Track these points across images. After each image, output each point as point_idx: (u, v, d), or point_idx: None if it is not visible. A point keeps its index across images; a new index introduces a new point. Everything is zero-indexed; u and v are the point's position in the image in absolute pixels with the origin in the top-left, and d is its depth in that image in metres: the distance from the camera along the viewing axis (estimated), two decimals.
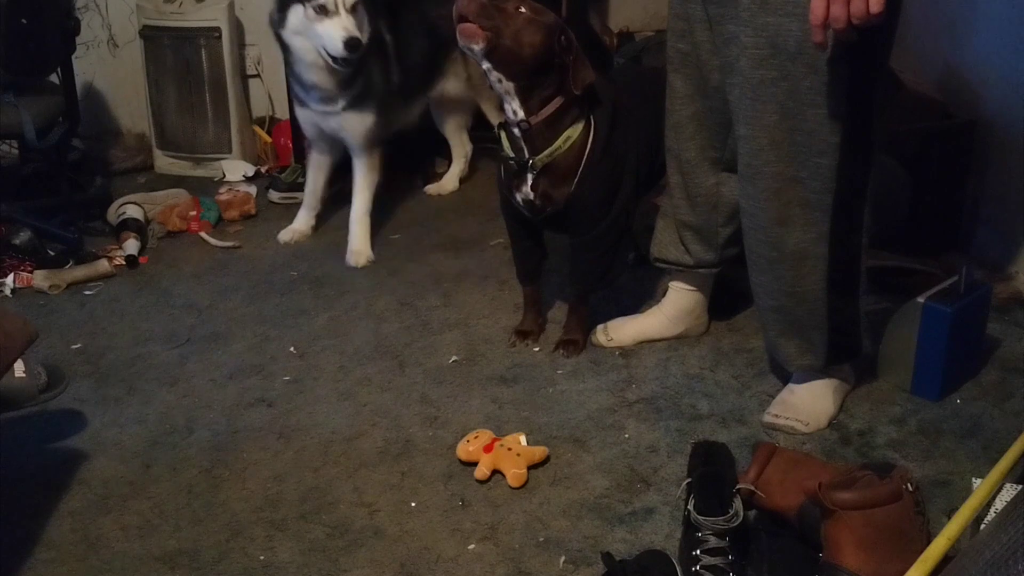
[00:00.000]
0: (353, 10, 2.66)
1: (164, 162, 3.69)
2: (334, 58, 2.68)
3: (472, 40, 2.07)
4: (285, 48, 2.79)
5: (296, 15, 2.69)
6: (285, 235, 3.07)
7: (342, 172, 3.06)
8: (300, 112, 2.95)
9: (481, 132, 3.41)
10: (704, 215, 2.24)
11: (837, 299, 1.98)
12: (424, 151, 3.57)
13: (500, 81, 2.14)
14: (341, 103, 2.82)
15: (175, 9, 3.50)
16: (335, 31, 2.64)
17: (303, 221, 3.10)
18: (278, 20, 2.75)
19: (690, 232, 2.27)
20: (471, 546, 1.76)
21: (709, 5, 1.96)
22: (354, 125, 2.86)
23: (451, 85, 3.20)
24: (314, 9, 2.65)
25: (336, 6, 2.64)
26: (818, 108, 1.82)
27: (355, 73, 2.79)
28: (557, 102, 2.16)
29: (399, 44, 2.95)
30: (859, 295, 2.01)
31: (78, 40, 3.15)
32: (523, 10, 2.10)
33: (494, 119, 3.22)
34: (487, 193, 3.31)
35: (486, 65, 2.12)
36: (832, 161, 1.85)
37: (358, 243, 2.93)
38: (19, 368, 2.29)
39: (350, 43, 2.63)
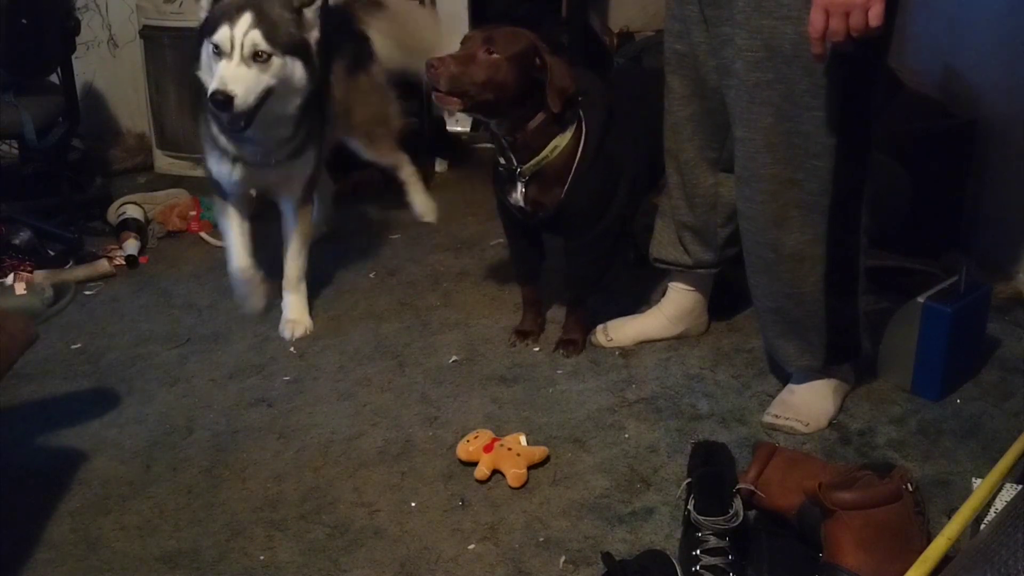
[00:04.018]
0: (256, 59, 2.15)
1: (164, 162, 3.69)
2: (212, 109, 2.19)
3: (450, 106, 2.12)
4: (199, 93, 2.27)
5: (205, 52, 2.21)
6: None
7: (343, 171, 3.02)
8: (221, 167, 2.38)
9: (477, 132, 3.41)
10: (703, 215, 2.23)
11: (835, 300, 1.98)
12: (424, 151, 3.57)
13: (481, 118, 2.20)
14: (277, 157, 2.37)
15: (175, 9, 3.49)
16: (214, 78, 2.15)
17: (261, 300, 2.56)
18: (192, 59, 2.28)
19: (689, 232, 2.27)
20: (471, 546, 1.76)
21: (705, 7, 1.96)
22: (294, 176, 2.45)
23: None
24: (213, 47, 2.17)
25: (230, 48, 2.15)
26: (814, 111, 1.82)
27: (297, 124, 2.33)
28: (540, 117, 2.16)
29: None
30: (858, 295, 2.01)
31: (78, 40, 3.14)
32: (493, 53, 2.08)
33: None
34: (487, 193, 3.28)
35: (471, 115, 2.21)
36: (828, 163, 1.85)
37: (294, 312, 2.53)
38: (19, 288, 2.47)
39: (217, 97, 2.12)
